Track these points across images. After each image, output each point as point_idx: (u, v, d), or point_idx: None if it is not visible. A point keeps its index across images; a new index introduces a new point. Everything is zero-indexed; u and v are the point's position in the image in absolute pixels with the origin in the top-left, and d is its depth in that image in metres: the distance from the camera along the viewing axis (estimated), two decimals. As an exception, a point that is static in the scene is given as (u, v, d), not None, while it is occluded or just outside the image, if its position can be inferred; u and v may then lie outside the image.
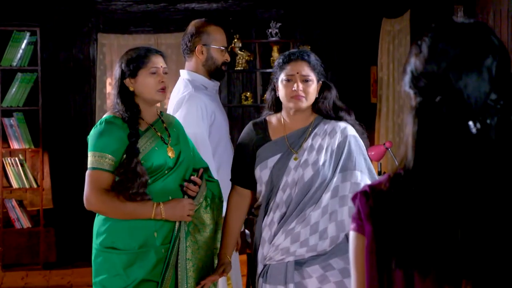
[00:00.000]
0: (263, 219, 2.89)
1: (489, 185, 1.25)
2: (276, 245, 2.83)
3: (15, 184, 6.25)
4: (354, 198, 1.38)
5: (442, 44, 1.30)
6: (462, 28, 1.31)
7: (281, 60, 2.93)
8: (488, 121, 1.27)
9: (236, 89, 6.94)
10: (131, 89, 2.91)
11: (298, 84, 2.86)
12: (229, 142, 3.57)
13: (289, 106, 2.90)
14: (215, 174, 3.23)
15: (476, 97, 1.27)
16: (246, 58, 6.58)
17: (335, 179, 2.85)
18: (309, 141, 2.91)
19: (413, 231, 1.27)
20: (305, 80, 2.87)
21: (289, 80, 2.87)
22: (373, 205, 1.34)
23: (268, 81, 6.81)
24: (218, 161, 3.42)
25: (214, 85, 3.57)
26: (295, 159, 2.88)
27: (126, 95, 2.92)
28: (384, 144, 4.64)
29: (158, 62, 2.93)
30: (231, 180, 3.04)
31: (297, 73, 2.87)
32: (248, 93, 6.73)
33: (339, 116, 2.95)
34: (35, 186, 6.28)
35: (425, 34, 1.34)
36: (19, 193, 6.49)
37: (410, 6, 5.42)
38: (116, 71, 2.95)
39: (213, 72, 3.55)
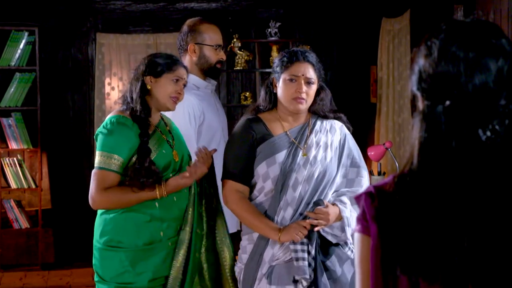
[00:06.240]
0: (274, 218, 2.82)
1: (495, 190, 1.24)
2: (287, 245, 2.77)
3: (13, 185, 6.22)
4: (358, 199, 1.36)
5: (453, 47, 1.27)
6: (472, 30, 1.28)
7: (286, 59, 2.85)
8: (497, 127, 1.25)
9: (236, 89, 6.92)
10: (148, 87, 2.92)
11: (302, 86, 2.82)
12: (222, 142, 3.52)
13: (289, 108, 2.86)
14: None
15: (485, 102, 1.25)
16: (246, 58, 6.55)
17: (338, 175, 2.88)
18: (313, 137, 2.88)
19: (418, 237, 1.25)
20: (308, 83, 2.84)
21: (293, 80, 2.83)
22: (378, 206, 1.32)
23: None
24: None
25: (207, 84, 3.52)
26: (304, 155, 2.85)
27: (143, 92, 2.92)
28: (384, 144, 4.63)
29: (183, 74, 2.99)
30: (228, 177, 2.92)
31: (302, 75, 2.82)
32: (248, 93, 6.70)
33: (337, 117, 2.97)
34: (33, 186, 6.26)
35: (434, 35, 1.30)
36: (17, 193, 6.47)
37: (410, 6, 5.41)
38: (139, 68, 2.94)
39: (206, 71, 3.50)
